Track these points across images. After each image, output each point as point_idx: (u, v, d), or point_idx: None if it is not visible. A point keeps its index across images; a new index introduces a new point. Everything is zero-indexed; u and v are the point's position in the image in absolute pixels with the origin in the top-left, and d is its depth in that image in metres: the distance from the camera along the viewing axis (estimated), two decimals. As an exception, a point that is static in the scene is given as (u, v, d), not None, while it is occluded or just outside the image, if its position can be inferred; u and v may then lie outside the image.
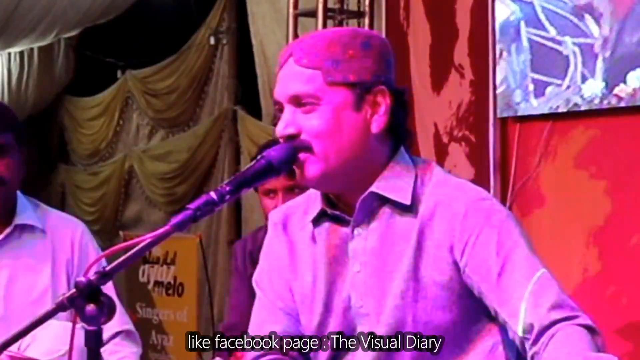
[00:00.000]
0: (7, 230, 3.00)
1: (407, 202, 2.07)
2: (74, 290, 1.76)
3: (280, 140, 2.08)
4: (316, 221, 2.15)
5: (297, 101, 2.06)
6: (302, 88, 2.05)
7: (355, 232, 2.10)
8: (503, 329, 2.06)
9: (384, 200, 2.09)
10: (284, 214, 2.23)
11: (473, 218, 2.04)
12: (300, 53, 2.07)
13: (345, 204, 2.12)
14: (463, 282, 2.05)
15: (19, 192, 3.04)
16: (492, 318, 2.06)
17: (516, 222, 2.08)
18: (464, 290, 2.05)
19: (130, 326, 3.05)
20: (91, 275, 1.76)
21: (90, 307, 1.74)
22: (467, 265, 2.03)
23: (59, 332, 2.56)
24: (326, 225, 2.14)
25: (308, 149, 2.05)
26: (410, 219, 2.07)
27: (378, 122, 2.07)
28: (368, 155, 2.08)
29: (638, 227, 4.24)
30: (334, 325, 2.12)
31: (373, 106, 2.07)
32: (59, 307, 1.78)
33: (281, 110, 2.10)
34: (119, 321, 2.88)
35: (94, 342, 1.76)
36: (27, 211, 3.03)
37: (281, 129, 2.07)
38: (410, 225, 2.07)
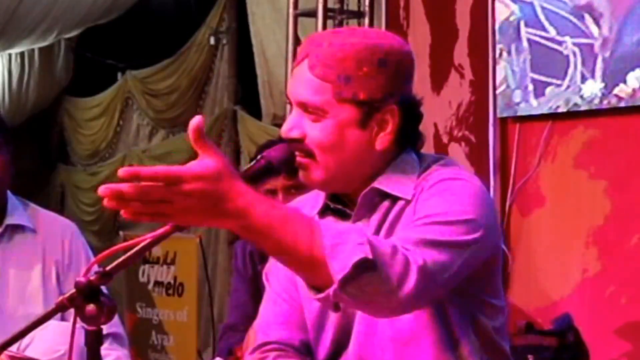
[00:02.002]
0: None
1: (408, 197, 2.06)
2: (74, 290, 1.76)
3: (285, 139, 2.08)
4: (321, 215, 2.16)
5: (305, 107, 2.05)
6: (310, 98, 2.04)
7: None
8: (481, 312, 2.06)
9: (385, 196, 2.09)
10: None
11: (430, 191, 2.01)
12: (315, 60, 2.04)
13: (348, 199, 2.13)
14: None
15: (9, 193, 3.04)
16: (468, 301, 2.05)
17: (479, 208, 1.99)
18: None
19: (118, 329, 3.01)
20: (91, 275, 1.77)
21: (90, 307, 1.74)
22: None
23: (58, 332, 2.56)
24: (330, 218, 2.15)
25: (310, 155, 2.05)
26: (399, 208, 2.07)
27: (383, 141, 2.06)
28: (371, 166, 2.08)
29: (637, 227, 4.24)
30: (333, 317, 2.12)
31: (380, 124, 2.05)
32: (59, 307, 1.78)
33: (290, 104, 2.10)
34: (108, 323, 2.86)
35: (94, 342, 1.76)
36: (17, 211, 3.03)
37: (286, 130, 2.07)
38: (397, 213, 2.07)
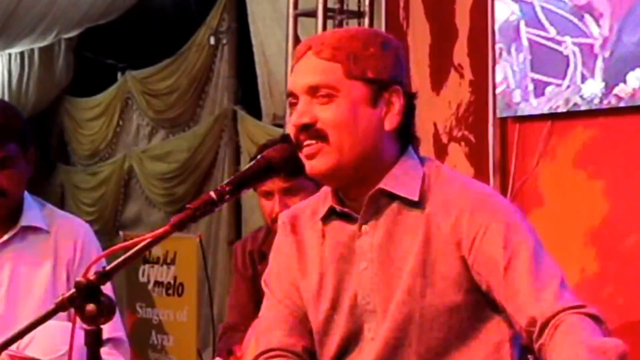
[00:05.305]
0: (13, 231, 3.01)
1: (415, 198, 2.09)
2: (74, 290, 1.76)
3: (294, 129, 2.08)
4: (325, 219, 2.17)
5: (314, 92, 2.08)
6: (321, 79, 2.07)
7: (363, 229, 2.12)
8: (511, 324, 2.08)
9: (391, 197, 2.10)
10: (292, 214, 2.25)
11: (480, 214, 2.06)
12: (320, 46, 2.09)
13: (353, 201, 2.14)
14: (471, 277, 2.06)
15: (26, 193, 3.05)
16: (501, 314, 2.08)
17: (522, 216, 2.11)
18: (472, 286, 2.06)
19: (121, 333, 3.00)
20: (91, 275, 1.77)
21: (90, 307, 1.75)
22: (475, 261, 2.05)
23: (58, 331, 2.57)
24: (335, 223, 2.16)
25: (323, 137, 2.06)
26: (417, 215, 2.09)
27: (391, 121, 2.10)
28: (379, 152, 2.11)
29: (635, 228, 4.24)
30: (340, 322, 2.13)
31: (388, 104, 2.10)
32: (59, 307, 1.79)
33: (293, 103, 2.11)
34: (111, 327, 2.86)
35: (94, 342, 1.76)
36: (33, 212, 3.03)
37: (296, 119, 2.08)
38: (418, 222, 2.09)
